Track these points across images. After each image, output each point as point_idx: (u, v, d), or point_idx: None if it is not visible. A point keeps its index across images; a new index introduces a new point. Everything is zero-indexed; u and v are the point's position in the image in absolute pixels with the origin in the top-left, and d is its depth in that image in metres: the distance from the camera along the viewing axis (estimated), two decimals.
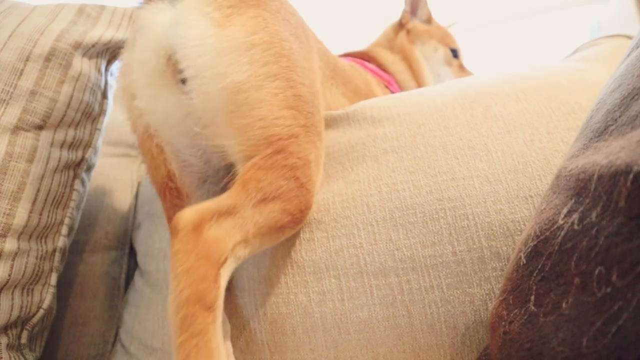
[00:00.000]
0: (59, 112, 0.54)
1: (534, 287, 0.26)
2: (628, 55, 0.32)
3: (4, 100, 0.50)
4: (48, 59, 0.54)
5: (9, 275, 0.47)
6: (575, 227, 0.23)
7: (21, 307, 0.49)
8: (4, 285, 0.47)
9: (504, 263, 0.37)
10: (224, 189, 0.48)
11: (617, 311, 0.18)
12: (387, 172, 0.45)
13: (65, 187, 0.55)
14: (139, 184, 0.76)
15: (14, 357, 0.48)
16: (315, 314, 0.41)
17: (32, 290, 0.51)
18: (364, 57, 0.94)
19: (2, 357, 0.47)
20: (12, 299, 0.48)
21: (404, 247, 0.40)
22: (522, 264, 0.28)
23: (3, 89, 0.50)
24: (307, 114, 0.42)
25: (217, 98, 0.38)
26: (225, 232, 0.36)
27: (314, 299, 0.42)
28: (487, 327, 0.34)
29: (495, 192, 0.40)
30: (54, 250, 0.54)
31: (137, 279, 0.62)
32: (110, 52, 0.62)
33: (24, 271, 0.49)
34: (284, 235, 0.41)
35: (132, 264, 0.70)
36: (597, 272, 0.20)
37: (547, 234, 0.26)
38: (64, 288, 0.61)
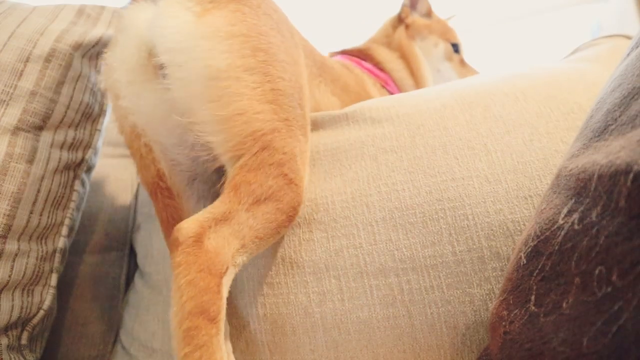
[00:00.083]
0: (59, 113, 0.54)
1: (535, 287, 0.26)
2: (628, 54, 0.32)
3: (4, 101, 0.50)
4: (48, 59, 0.54)
5: (9, 276, 0.47)
6: (576, 226, 0.23)
7: (21, 308, 0.49)
8: (4, 286, 0.47)
9: (503, 263, 0.37)
10: (213, 188, 0.47)
11: (617, 311, 0.18)
12: (387, 171, 0.45)
13: (65, 187, 0.55)
14: (139, 185, 0.76)
15: (14, 358, 0.48)
16: (315, 314, 0.41)
17: (33, 291, 0.51)
18: (360, 55, 0.93)
19: (2, 358, 0.47)
20: (13, 300, 0.48)
21: (404, 247, 0.40)
22: (522, 263, 0.28)
23: (3, 89, 0.50)
24: (287, 107, 0.41)
25: (195, 83, 0.38)
26: (224, 240, 0.36)
27: (314, 299, 0.42)
28: (488, 327, 0.34)
29: (494, 192, 0.40)
30: (54, 251, 0.54)
31: (137, 280, 0.62)
32: None
33: (24, 272, 0.49)
34: (279, 234, 0.41)
35: (132, 265, 0.70)
36: (597, 271, 0.20)
37: (548, 233, 0.26)
38: (64, 289, 0.61)
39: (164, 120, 0.42)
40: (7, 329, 0.48)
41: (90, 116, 0.59)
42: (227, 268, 0.35)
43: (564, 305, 0.22)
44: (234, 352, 0.44)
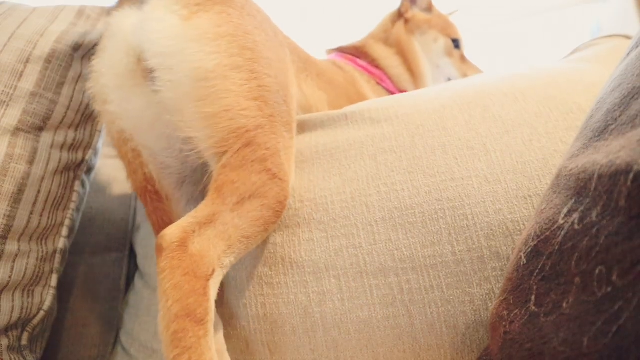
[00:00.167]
0: (59, 114, 0.54)
1: (535, 287, 0.26)
2: (628, 54, 0.32)
3: (4, 102, 0.50)
4: (48, 60, 0.54)
5: (10, 277, 0.47)
6: (576, 226, 0.23)
7: (22, 309, 0.49)
8: (5, 286, 0.47)
9: (503, 263, 0.37)
10: (202, 190, 0.48)
11: (617, 311, 0.18)
12: (386, 171, 0.45)
13: (65, 188, 0.55)
14: None
15: (14, 358, 0.48)
16: (315, 314, 0.41)
17: (33, 291, 0.51)
18: (355, 53, 0.93)
19: (2, 359, 0.47)
20: (13, 301, 0.48)
21: (404, 247, 0.40)
22: (522, 263, 0.28)
23: (3, 90, 0.50)
24: (273, 104, 0.42)
25: (184, 84, 0.39)
26: (209, 243, 0.36)
27: (314, 299, 0.42)
28: (488, 327, 0.34)
29: (494, 192, 0.40)
30: (54, 252, 0.54)
31: (137, 281, 0.62)
32: None
33: (25, 273, 0.49)
34: (267, 231, 0.41)
35: (133, 266, 0.70)
36: (597, 271, 0.20)
37: (548, 233, 0.26)
38: (64, 290, 0.61)
39: (152, 124, 0.43)
40: (7, 329, 0.48)
41: (90, 117, 0.59)
42: (213, 270, 0.36)
43: (564, 305, 0.22)
44: (234, 352, 0.44)
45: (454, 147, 0.44)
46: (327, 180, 0.47)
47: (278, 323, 0.42)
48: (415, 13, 0.99)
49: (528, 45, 2.60)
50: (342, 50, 0.95)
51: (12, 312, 0.48)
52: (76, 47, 0.57)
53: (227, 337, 0.45)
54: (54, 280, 0.53)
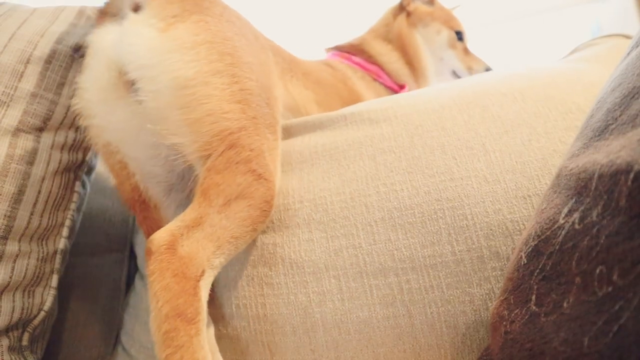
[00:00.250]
0: (59, 115, 0.54)
1: (535, 287, 0.26)
2: (628, 54, 0.32)
3: (5, 102, 0.50)
4: (48, 61, 0.54)
5: (10, 277, 0.47)
6: (576, 226, 0.23)
7: (22, 309, 0.49)
8: (5, 287, 0.47)
9: (503, 263, 0.37)
10: (190, 195, 0.48)
11: (618, 310, 0.18)
12: (385, 172, 0.45)
13: (65, 189, 0.55)
14: None
15: (15, 359, 0.48)
16: (316, 314, 0.41)
17: (33, 292, 0.51)
18: (351, 50, 0.93)
19: (3, 359, 0.47)
20: (14, 301, 0.48)
21: (403, 247, 0.40)
22: (522, 263, 0.28)
23: (4, 91, 0.50)
24: (255, 106, 0.43)
25: (166, 94, 0.40)
26: (197, 245, 0.36)
27: (313, 299, 0.42)
28: (488, 327, 0.34)
29: (493, 192, 0.40)
30: (55, 252, 0.54)
31: (138, 282, 0.62)
32: None
33: (25, 273, 0.49)
34: (256, 231, 0.41)
35: (133, 267, 0.70)
36: (598, 271, 0.20)
37: (548, 233, 0.26)
38: (64, 290, 0.61)
39: (137, 134, 0.44)
40: (8, 330, 0.48)
41: None
42: (203, 271, 0.36)
43: (565, 304, 0.22)
44: (234, 353, 0.44)
45: (453, 147, 0.44)
46: (327, 180, 0.47)
47: (278, 323, 0.42)
48: (417, 5, 0.98)
49: (528, 45, 2.60)
50: (339, 49, 0.95)
51: (12, 312, 0.48)
52: (77, 48, 0.57)
53: (227, 338, 0.45)
54: (54, 280, 0.53)
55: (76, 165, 0.58)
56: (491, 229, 0.38)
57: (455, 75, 1.02)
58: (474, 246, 0.38)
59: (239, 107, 0.41)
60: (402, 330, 0.39)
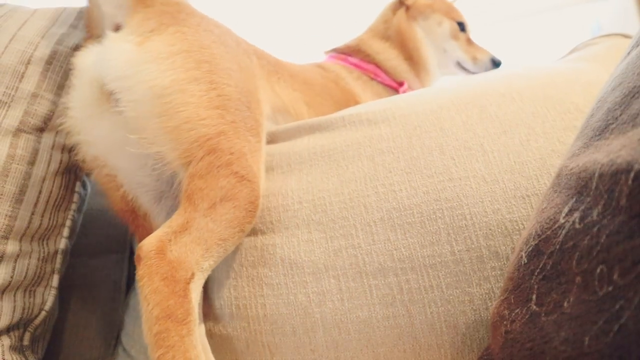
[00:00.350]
0: (60, 115, 0.54)
1: (536, 286, 0.25)
2: (628, 53, 0.32)
3: (6, 103, 0.50)
4: (49, 62, 0.54)
5: (11, 277, 0.47)
6: (577, 225, 0.23)
7: (23, 309, 0.49)
8: (6, 287, 0.47)
9: (502, 262, 0.37)
10: (178, 200, 0.49)
11: (618, 310, 0.18)
12: (384, 172, 0.45)
13: (66, 189, 0.55)
14: None
15: (16, 358, 0.48)
16: (315, 315, 0.41)
17: (34, 292, 0.51)
18: (347, 51, 0.93)
19: (4, 359, 0.47)
20: (15, 301, 0.48)
21: (403, 247, 0.40)
22: (523, 263, 0.28)
23: (5, 92, 0.50)
24: (234, 111, 0.44)
25: (143, 103, 0.41)
26: (185, 249, 0.37)
27: (313, 299, 0.42)
28: (489, 326, 0.34)
29: (492, 192, 0.40)
30: (56, 252, 0.54)
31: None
32: None
33: (26, 273, 0.49)
34: (244, 232, 0.42)
35: (133, 268, 0.70)
36: (598, 270, 0.20)
37: (548, 232, 0.26)
38: (65, 291, 0.61)
39: (121, 146, 0.45)
40: (9, 329, 0.48)
41: None
42: (192, 274, 0.37)
43: (565, 304, 0.22)
44: (234, 353, 0.44)
45: (451, 148, 0.44)
46: (325, 181, 0.47)
47: (278, 323, 0.42)
48: None
49: (528, 45, 2.60)
50: (336, 51, 0.95)
51: (14, 312, 0.48)
52: (77, 49, 0.57)
53: (227, 338, 0.45)
54: (55, 280, 0.53)
55: (76, 166, 0.58)
56: (490, 229, 0.38)
57: (460, 66, 1.00)
58: (473, 246, 0.38)
59: (217, 113, 0.42)
60: (402, 330, 0.39)
